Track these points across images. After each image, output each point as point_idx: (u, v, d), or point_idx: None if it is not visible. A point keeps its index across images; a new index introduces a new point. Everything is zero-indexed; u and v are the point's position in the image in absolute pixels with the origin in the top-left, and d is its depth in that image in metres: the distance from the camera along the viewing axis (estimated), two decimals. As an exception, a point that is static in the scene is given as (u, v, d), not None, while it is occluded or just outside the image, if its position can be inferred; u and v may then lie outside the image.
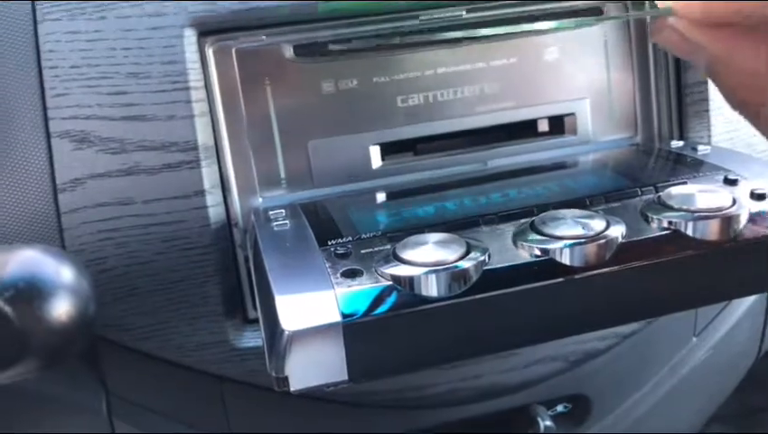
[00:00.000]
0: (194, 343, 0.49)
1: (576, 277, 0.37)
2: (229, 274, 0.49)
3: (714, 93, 0.55)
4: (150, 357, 0.50)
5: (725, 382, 0.70)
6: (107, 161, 0.46)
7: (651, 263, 0.38)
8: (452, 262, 0.37)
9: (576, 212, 0.40)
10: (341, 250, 0.40)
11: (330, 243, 0.41)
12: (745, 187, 0.43)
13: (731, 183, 0.44)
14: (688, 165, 0.48)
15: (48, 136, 0.46)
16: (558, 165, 0.54)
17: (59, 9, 0.46)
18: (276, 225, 0.45)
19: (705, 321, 0.64)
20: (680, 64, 0.56)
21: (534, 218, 0.40)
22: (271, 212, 0.46)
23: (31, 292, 0.37)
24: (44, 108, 0.46)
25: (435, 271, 0.36)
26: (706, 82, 0.55)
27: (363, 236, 0.42)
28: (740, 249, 0.39)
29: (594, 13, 0.57)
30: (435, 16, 0.51)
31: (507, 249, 0.39)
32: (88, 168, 0.46)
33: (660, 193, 0.42)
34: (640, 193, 0.44)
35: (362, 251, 0.40)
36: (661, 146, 0.55)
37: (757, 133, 0.38)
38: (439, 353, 0.38)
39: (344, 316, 0.36)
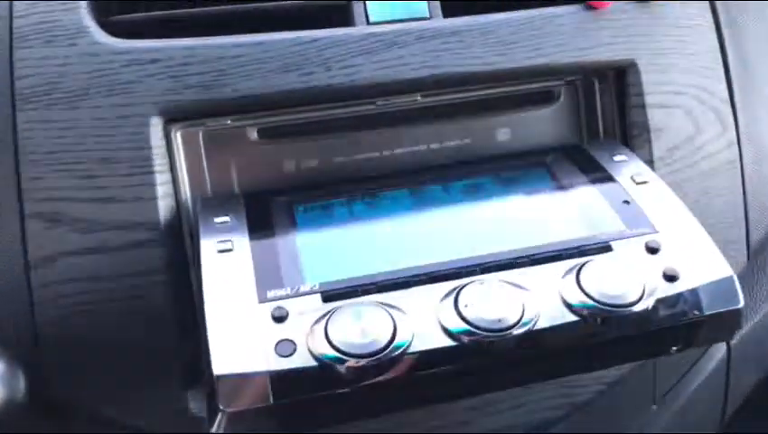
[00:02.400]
0: (158, 411, 0.51)
1: (489, 361, 0.43)
2: (191, 346, 0.52)
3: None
4: (116, 423, 0.52)
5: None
6: (77, 240, 0.49)
7: (557, 349, 0.44)
8: (378, 350, 0.40)
9: (499, 291, 0.43)
10: (277, 314, 0.43)
11: (269, 296, 0.44)
12: (664, 258, 0.46)
13: (652, 252, 0.46)
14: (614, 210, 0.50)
15: (22, 216, 0.49)
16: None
17: (35, 99, 0.49)
18: (220, 250, 0.47)
19: (664, 388, 0.65)
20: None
21: (459, 293, 0.43)
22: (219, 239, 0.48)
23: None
24: (19, 190, 0.49)
25: (358, 363, 0.40)
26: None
27: (301, 289, 0.44)
28: (641, 337, 0.45)
29: (549, 96, 0.60)
30: (392, 101, 0.55)
31: (430, 328, 0.42)
32: (58, 246, 0.49)
33: (581, 273, 0.44)
34: (564, 256, 0.46)
35: (298, 313, 0.43)
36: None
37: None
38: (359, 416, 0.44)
39: (275, 395, 0.40)
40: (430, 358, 0.41)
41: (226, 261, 0.46)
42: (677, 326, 0.45)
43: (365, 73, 0.53)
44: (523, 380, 0.48)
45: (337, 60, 0.52)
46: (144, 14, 0.53)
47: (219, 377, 0.40)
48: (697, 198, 0.58)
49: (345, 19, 0.55)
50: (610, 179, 0.52)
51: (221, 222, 0.49)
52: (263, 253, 0.47)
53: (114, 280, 0.50)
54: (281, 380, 0.40)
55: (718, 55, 0.60)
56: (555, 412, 0.57)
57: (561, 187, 0.53)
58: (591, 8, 0.57)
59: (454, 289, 0.43)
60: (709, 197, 0.59)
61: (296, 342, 0.42)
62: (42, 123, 0.49)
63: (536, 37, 0.56)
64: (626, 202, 0.50)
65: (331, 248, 0.48)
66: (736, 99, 0.60)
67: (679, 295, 0.45)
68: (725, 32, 0.61)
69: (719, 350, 0.67)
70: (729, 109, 0.60)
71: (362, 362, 0.40)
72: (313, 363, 0.41)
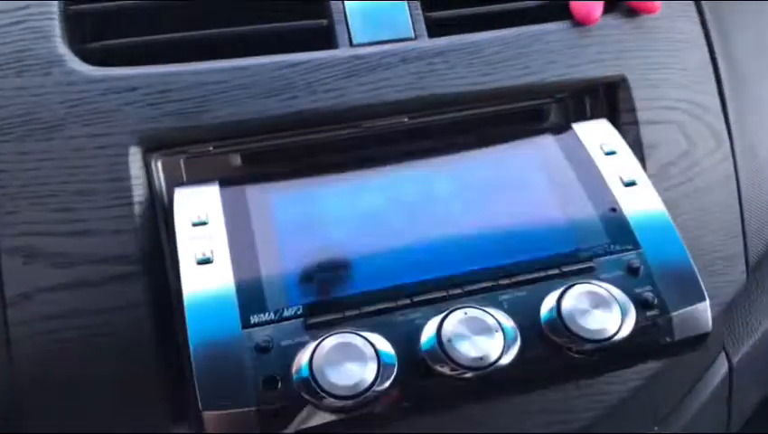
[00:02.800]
0: (140, 451, 0.50)
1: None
2: (176, 385, 0.50)
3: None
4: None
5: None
6: (55, 275, 0.47)
7: (531, 375, 0.46)
8: (362, 392, 0.41)
9: (481, 324, 0.44)
10: (262, 345, 0.43)
11: (253, 322, 0.44)
12: (643, 279, 0.48)
13: (633, 272, 0.48)
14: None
15: (-2, 251, 0.47)
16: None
17: (8, 131, 0.48)
18: (200, 261, 0.46)
19: (666, 410, 0.64)
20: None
21: (441, 326, 0.44)
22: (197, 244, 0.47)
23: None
24: (-6, 226, 0.47)
25: (342, 403, 0.41)
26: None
27: (285, 314, 0.44)
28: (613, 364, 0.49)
29: (539, 115, 0.58)
30: (378, 123, 0.54)
31: (414, 366, 0.44)
32: (36, 282, 0.47)
33: (561, 304, 0.45)
34: (547, 278, 0.47)
35: (282, 344, 0.43)
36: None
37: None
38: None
39: (262, 426, 0.42)
40: (412, 393, 0.44)
41: (206, 276, 0.46)
42: (649, 351, 0.48)
43: (350, 96, 0.51)
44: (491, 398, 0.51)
45: (321, 83, 0.51)
46: (120, 40, 0.52)
47: (206, 414, 0.42)
48: (694, 215, 0.57)
49: (328, 41, 0.54)
50: (599, 179, 0.52)
51: (198, 222, 0.48)
52: (243, 266, 0.46)
53: (93, 316, 0.48)
54: (267, 413, 0.42)
55: (710, 69, 0.59)
56: (554, 440, 0.56)
57: (549, 183, 0.52)
58: (579, 24, 0.56)
59: (439, 321, 0.44)
60: (706, 213, 0.58)
61: (281, 378, 0.43)
62: (17, 155, 0.48)
63: (523, 55, 0.55)
64: (613, 209, 0.50)
65: (312, 257, 0.47)
66: (730, 112, 0.59)
67: (653, 324, 0.47)
68: (716, 45, 0.60)
69: (721, 369, 0.66)
70: (723, 124, 0.59)
71: (347, 402, 0.41)
72: (298, 400, 0.42)
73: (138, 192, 0.48)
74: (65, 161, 0.48)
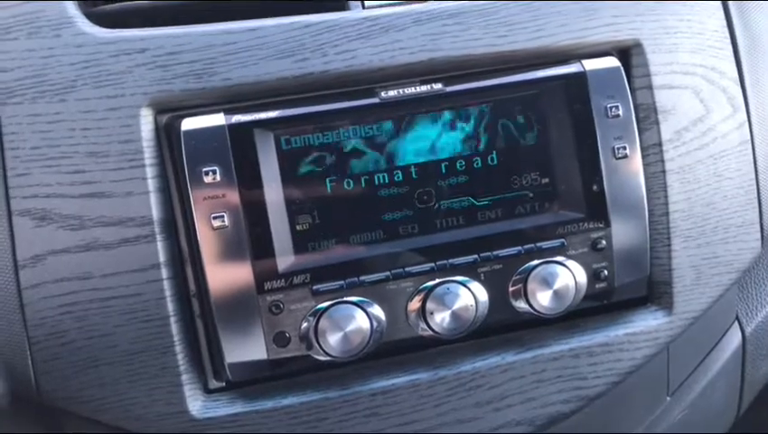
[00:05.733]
0: (153, 413, 0.50)
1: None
2: (188, 345, 0.50)
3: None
4: (110, 428, 0.50)
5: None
6: (67, 237, 0.48)
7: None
8: (356, 353, 0.50)
9: (459, 299, 0.52)
10: (275, 311, 0.50)
11: (266, 288, 0.49)
12: (604, 255, 0.55)
13: (597, 250, 0.55)
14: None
15: (9, 214, 0.47)
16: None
17: (21, 93, 0.48)
18: (216, 227, 0.49)
19: (679, 380, 0.63)
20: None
21: (426, 301, 0.52)
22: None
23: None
24: (6, 188, 0.47)
25: (339, 359, 0.51)
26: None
27: (294, 282, 0.50)
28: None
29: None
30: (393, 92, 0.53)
31: (401, 332, 0.52)
32: (48, 245, 0.47)
33: (528, 284, 0.53)
34: (522, 252, 0.53)
35: (292, 307, 0.50)
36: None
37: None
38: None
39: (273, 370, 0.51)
40: (397, 350, 0.54)
41: (223, 243, 0.49)
42: (591, 311, 0.57)
43: (362, 58, 0.51)
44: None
45: (333, 45, 0.50)
46: (129, 2, 0.51)
47: (230, 364, 0.50)
48: (708, 181, 0.57)
49: (340, 3, 0.53)
50: (593, 148, 0.54)
51: (211, 183, 0.49)
52: (256, 231, 0.49)
53: (107, 279, 0.48)
54: (278, 362, 0.51)
55: (726, 34, 0.59)
56: (567, 406, 0.55)
57: (543, 143, 0.54)
58: (593, -12, 0.55)
59: (424, 295, 0.52)
60: (720, 180, 0.57)
61: (290, 335, 0.51)
62: (28, 117, 0.48)
63: (537, 18, 0.54)
64: (596, 186, 0.54)
65: (318, 228, 0.51)
66: (746, 78, 0.59)
67: (599, 293, 0.55)
68: (733, 10, 0.59)
69: (734, 340, 0.66)
70: (739, 89, 0.58)
71: (343, 358, 0.51)
72: (304, 352, 0.51)
73: (150, 154, 0.48)
74: (76, 123, 0.48)
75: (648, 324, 0.57)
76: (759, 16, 0.61)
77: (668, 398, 0.63)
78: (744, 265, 0.59)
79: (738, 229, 0.58)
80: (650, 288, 0.58)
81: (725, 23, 0.59)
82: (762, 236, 0.59)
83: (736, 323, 0.65)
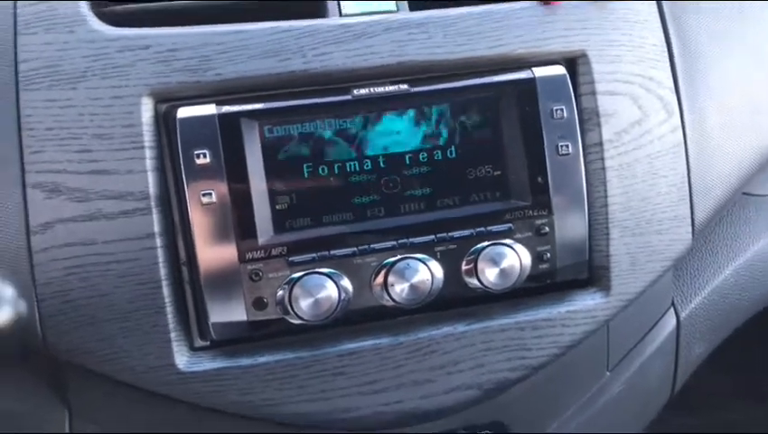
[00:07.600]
0: (145, 366, 0.56)
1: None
2: (177, 307, 0.57)
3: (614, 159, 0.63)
4: (108, 379, 0.57)
5: (640, 418, 0.76)
6: (74, 208, 0.54)
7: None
8: (325, 318, 0.57)
9: (418, 274, 0.58)
10: (255, 278, 0.56)
11: (247, 258, 0.56)
12: (548, 240, 0.62)
13: (541, 235, 0.62)
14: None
15: (24, 186, 0.54)
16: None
17: (38, 81, 0.55)
18: (205, 203, 0.56)
19: (617, 357, 0.71)
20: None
21: (388, 274, 0.58)
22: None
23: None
24: (22, 163, 0.54)
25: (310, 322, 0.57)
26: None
27: (272, 253, 0.57)
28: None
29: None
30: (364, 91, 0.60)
31: (365, 301, 0.59)
32: (57, 214, 0.54)
33: (478, 262, 0.60)
34: (474, 234, 0.60)
35: (270, 276, 0.57)
36: None
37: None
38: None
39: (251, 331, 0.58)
40: (363, 318, 0.60)
41: (211, 217, 0.56)
42: (535, 291, 0.64)
43: (337, 60, 0.58)
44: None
45: (311, 47, 0.57)
46: (136, 5, 0.58)
47: (214, 324, 0.57)
48: (645, 178, 0.64)
49: (320, 14, 0.60)
50: (539, 145, 0.61)
51: (202, 164, 0.55)
52: (240, 207, 0.56)
53: (107, 245, 0.55)
54: (256, 324, 0.58)
55: (664, 48, 0.66)
56: (513, 373, 0.62)
57: (496, 140, 0.61)
58: (546, 4, 0.63)
59: (387, 269, 0.58)
60: (656, 177, 0.64)
61: (267, 300, 0.57)
62: (44, 102, 0.54)
63: (496, 29, 0.61)
64: (542, 177, 0.61)
65: (296, 204, 0.58)
66: (681, 87, 0.66)
67: (541, 274, 0.62)
68: (671, 27, 0.66)
69: (669, 323, 0.73)
70: (674, 96, 0.65)
71: (314, 322, 0.57)
72: (279, 315, 0.57)
73: (149, 137, 0.55)
74: (85, 108, 0.55)
75: (587, 303, 0.64)
76: (695, 33, 0.68)
77: (608, 373, 0.70)
78: (676, 255, 0.66)
79: (671, 222, 0.65)
80: (591, 272, 0.64)
81: (663, 37, 0.66)
82: (693, 229, 0.66)
83: (672, 308, 0.72)
